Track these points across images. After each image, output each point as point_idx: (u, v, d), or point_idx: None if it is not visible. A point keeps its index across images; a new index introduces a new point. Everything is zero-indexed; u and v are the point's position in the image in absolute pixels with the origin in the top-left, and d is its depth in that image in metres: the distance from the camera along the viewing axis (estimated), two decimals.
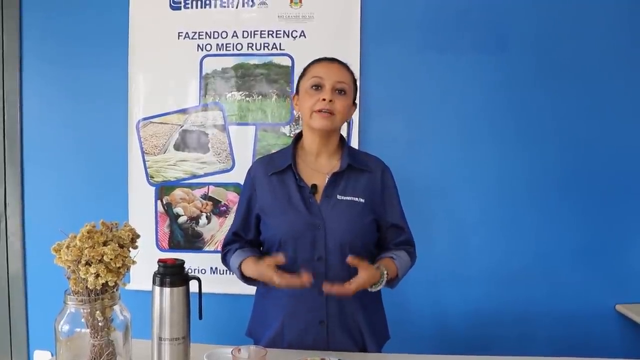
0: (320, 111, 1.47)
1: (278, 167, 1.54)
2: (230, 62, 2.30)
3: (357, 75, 2.15)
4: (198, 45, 2.30)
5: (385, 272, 1.45)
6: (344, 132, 1.64)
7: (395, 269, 1.50)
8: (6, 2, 2.37)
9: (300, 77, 1.57)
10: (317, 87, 1.49)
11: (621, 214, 2.25)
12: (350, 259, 1.40)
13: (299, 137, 1.60)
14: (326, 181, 1.51)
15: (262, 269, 1.43)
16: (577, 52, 2.22)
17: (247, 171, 1.63)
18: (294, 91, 1.62)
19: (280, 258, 1.41)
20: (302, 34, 2.27)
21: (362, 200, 1.51)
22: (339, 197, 1.50)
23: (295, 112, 1.59)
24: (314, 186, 1.51)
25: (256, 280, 1.52)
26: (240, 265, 1.53)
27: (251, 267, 1.49)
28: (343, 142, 1.60)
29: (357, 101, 1.61)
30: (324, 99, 1.46)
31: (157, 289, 1.25)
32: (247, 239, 1.61)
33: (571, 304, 2.26)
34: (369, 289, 1.47)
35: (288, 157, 1.54)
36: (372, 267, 1.44)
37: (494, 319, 2.27)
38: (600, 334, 2.26)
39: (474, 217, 2.27)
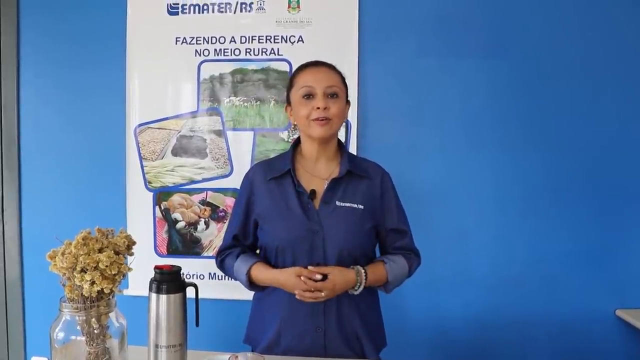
0: (317, 120, 1.46)
1: (277, 172, 1.53)
2: (228, 67, 2.29)
3: (355, 78, 2.19)
4: (196, 51, 2.29)
5: (363, 272, 1.45)
6: (342, 137, 1.63)
7: (384, 272, 1.49)
8: (4, 5, 2.37)
9: (290, 88, 1.55)
10: (309, 96, 1.48)
11: (621, 218, 2.24)
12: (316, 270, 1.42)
13: (297, 142, 1.59)
14: (325, 187, 1.51)
15: (290, 277, 1.43)
16: (575, 58, 2.21)
17: (245, 174, 1.62)
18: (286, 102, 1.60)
19: (317, 276, 1.41)
20: (300, 39, 2.27)
21: (361, 207, 1.50)
22: (337, 203, 1.49)
23: (291, 122, 1.58)
24: (313, 192, 1.50)
25: (263, 287, 1.52)
26: (249, 271, 1.51)
27: (271, 273, 1.48)
28: (341, 147, 1.59)
29: (350, 98, 1.60)
30: (318, 108, 1.46)
31: (154, 295, 1.25)
32: (246, 243, 1.60)
33: (571, 309, 2.25)
34: (350, 292, 1.46)
35: (287, 162, 1.53)
36: (338, 268, 1.44)
37: (493, 324, 2.26)
38: (600, 339, 2.24)
39: (473, 222, 2.26)
